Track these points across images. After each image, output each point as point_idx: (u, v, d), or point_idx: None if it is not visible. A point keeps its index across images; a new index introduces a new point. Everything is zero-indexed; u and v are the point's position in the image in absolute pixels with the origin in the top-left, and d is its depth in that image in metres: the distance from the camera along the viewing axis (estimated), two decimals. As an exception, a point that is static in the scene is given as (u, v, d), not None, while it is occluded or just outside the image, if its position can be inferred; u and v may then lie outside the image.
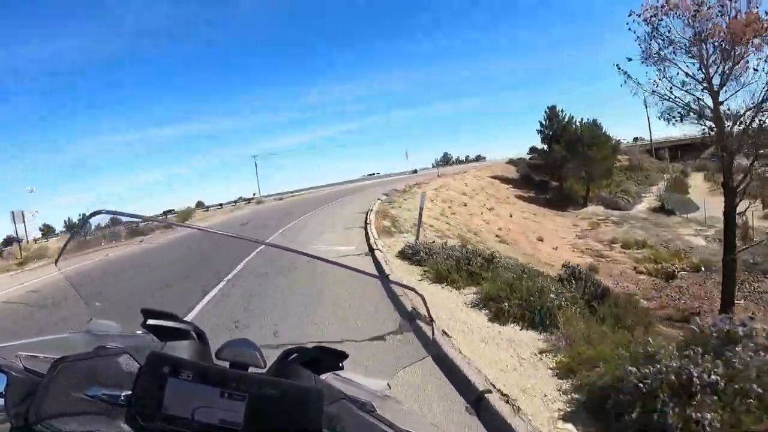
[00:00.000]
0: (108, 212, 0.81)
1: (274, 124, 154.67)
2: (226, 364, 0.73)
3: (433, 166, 55.46)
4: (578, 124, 29.85)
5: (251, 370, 0.73)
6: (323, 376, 0.76)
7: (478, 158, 75.23)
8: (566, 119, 31.18)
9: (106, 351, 0.72)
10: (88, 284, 1.32)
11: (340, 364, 0.78)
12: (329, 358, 0.77)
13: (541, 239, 19.19)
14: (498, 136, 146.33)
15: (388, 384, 0.90)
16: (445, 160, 71.27)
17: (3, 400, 0.63)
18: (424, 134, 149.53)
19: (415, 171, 51.33)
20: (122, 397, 0.63)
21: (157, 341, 0.79)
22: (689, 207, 26.39)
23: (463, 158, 76.74)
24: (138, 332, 0.89)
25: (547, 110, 32.55)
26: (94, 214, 0.79)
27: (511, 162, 43.80)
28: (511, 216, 22.52)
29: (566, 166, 29.66)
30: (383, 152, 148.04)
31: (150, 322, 0.78)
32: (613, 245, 18.89)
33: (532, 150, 34.80)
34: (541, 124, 32.69)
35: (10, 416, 0.62)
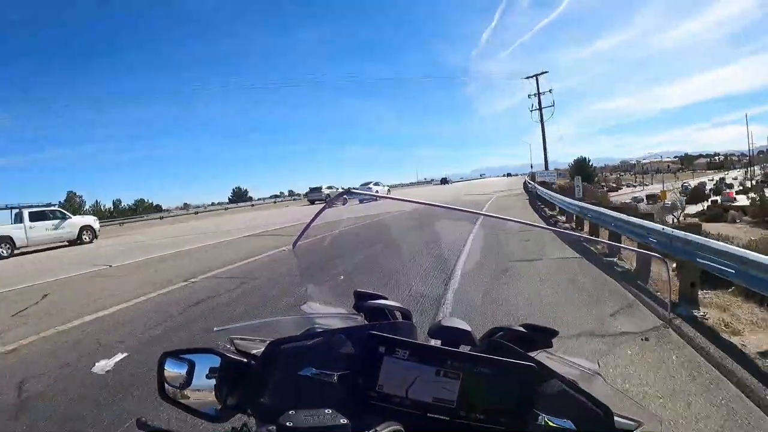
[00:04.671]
0: (353, 193, 0.93)
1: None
2: (438, 342, 0.73)
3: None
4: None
5: (461, 347, 0.73)
6: (533, 354, 0.72)
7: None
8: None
9: (317, 332, 0.76)
10: (311, 267, 1.49)
11: (551, 341, 0.75)
12: (539, 336, 0.75)
13: None
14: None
15: (598, 362, 0.83)
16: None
17: (215, 380, 0.65)
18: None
19: None
20: (336, 376, 0.65)
21: (366, 321, 0.83)
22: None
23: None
24: (346, 312, 0.96)
25: None
26: (343, 193, 0.91)
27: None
28: None
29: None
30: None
31: (361, 303, 0.84)
32: None
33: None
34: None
35: (223, 396, 0.65)
